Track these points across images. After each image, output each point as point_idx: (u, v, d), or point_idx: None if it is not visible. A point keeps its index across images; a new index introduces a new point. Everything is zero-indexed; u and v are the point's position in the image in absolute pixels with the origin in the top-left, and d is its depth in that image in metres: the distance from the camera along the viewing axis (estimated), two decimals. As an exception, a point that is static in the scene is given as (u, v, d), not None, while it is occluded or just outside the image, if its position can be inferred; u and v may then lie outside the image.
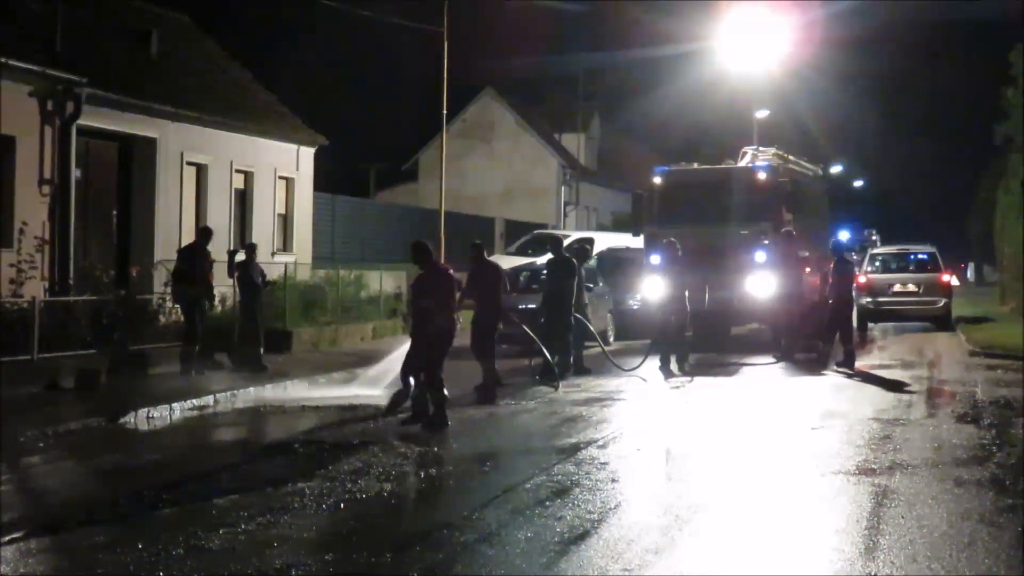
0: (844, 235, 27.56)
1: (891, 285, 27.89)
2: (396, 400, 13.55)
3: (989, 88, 37.96)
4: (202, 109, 23.40)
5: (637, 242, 23.90)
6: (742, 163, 24.52)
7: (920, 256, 29.33)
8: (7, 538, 7.75)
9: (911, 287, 27.84)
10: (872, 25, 67.15)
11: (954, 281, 62.18)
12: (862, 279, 27.33)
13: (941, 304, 27.55)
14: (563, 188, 47.14)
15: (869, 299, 27.58)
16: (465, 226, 34.93)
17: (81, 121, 19.66)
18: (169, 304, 19.06)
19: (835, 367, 18.60)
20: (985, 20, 55.91)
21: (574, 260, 17.93)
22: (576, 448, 11.25)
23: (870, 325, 28.25)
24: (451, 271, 13.33)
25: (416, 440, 11.67)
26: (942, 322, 27.63)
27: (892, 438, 11.79)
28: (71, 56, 19.57)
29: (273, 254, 24.59)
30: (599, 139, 53.12)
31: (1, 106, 18.09)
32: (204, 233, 17.96)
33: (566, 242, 21.69)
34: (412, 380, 13.18)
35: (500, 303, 15.36)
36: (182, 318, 17.64)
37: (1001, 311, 33.73)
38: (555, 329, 17.37)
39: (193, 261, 17.28)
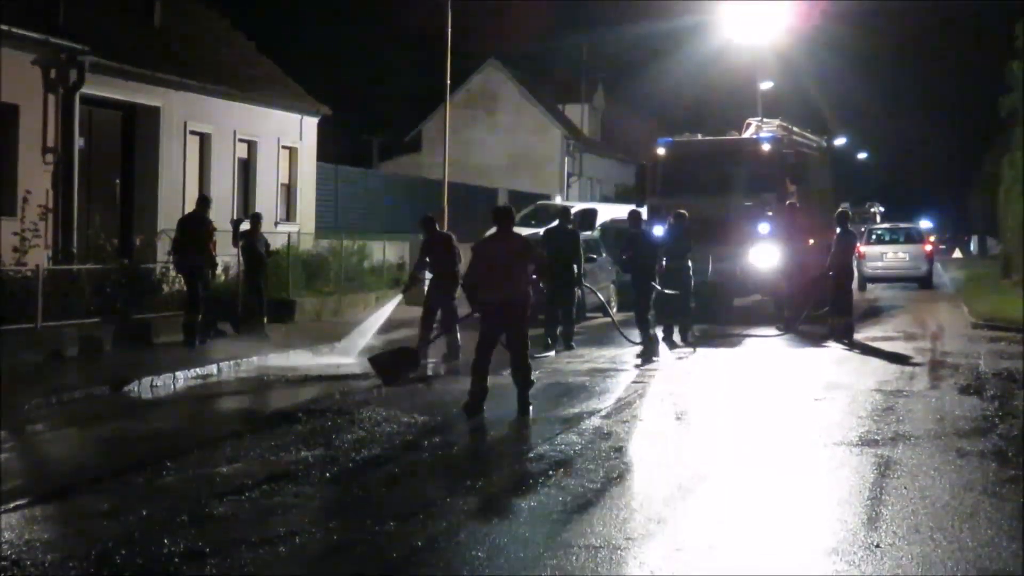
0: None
1: (884, 254, 34.63)
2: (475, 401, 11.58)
3: (994, 60, 37.91)
4: (205, 78, 23.30)
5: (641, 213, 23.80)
6: (746, 134, 24.43)
7: (909, 231, 36.62)
8: (11, 505, 7.78)
9: (900, 255, 34.59)
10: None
11: (957, 253, 64.61)
12: (862, 249, 32.17)
13: (924, 269, 34.59)
14: (566, 159, 47.01)
15: (867, 264, 33.63)
16: (468, 197, 34.82)
17: (84, 90, 19.56)
18: (172, 273, 19.04)
19: (833, 338, 18.58)
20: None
21: (578, 231, 17.93)
22: (579, 418, 11.27)
23: (868, 286, 33.76)
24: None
25: (419, 410, 11.69)
26: (925, 283, 34.51)
27: (895, 409, 11.81)
28: (74, 25, 19.47)
29: (276, 224, 24.54)
30: (602, 110, 52.93)
31: (4, 74, 18.04)
32: (202, 202, 17.88)
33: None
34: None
35: (455, 275, 15.71)
36: (185, 287, 17.66)
37: (1003, 284, 33.75)
38: (559, 299, 17.39)
39: (193, 231, 17.26)
